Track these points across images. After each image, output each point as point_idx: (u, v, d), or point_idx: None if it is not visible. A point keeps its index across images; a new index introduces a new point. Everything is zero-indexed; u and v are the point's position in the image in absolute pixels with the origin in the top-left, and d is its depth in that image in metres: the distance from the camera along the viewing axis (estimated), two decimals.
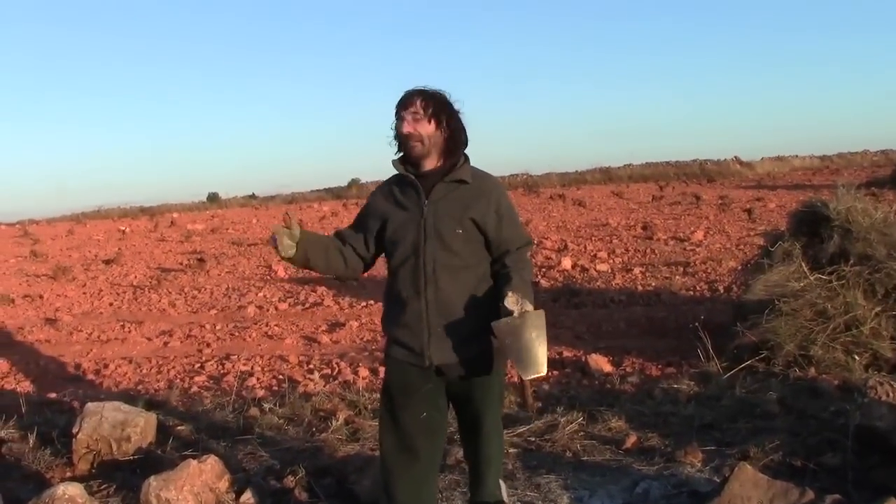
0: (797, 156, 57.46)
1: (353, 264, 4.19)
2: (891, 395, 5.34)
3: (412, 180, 3.99)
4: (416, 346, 3.94)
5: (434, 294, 3.90)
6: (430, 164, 4.02)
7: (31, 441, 6.53)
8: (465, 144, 4.08)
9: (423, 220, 3.92)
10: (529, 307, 3.77)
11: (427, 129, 3.95)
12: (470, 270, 4.00)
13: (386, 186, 4.15)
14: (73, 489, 4.76)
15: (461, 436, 4.39)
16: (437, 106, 3.97)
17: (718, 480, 4.81)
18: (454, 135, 4.03)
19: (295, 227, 3.93)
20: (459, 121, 4.06)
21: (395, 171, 4.10)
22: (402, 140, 3.98)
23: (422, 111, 3.95)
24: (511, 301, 3.75)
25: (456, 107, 4.07)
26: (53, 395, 9.07)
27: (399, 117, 3.99)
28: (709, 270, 14.45)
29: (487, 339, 4.00)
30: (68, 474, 6.00)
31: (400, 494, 4.01)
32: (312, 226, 32.86)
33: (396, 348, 4.04)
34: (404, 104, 3.98)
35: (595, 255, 17.31)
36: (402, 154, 4.06)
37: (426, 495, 4.11)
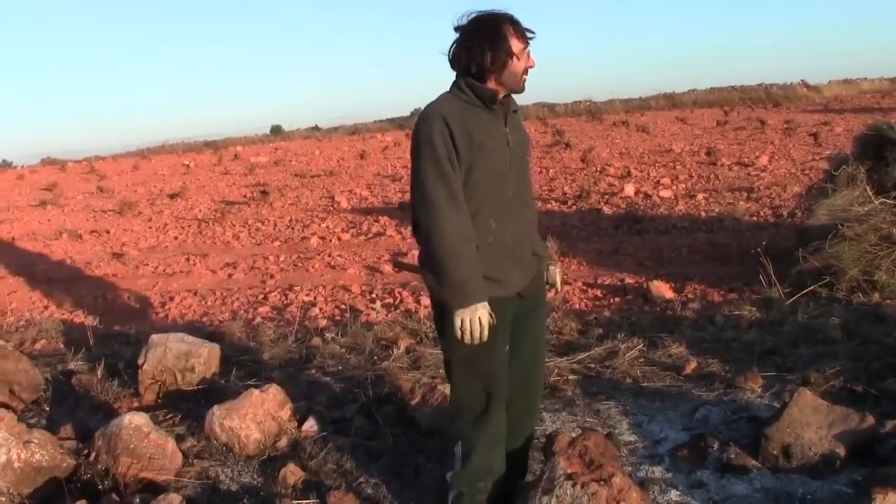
0: (866, 78, 56.04)
1: None
2: None
3: (497, 109, 3.71)
4: (504, 276, 3.77)
5: (515, 223, 3.81)
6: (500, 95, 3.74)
7: (100, 373, 6.64)
8: None
9: (510, 151, 3.76)
10: None
11: None
12: (524, 194, 3.95)
13: (458, 111, 3.65)
14: (139, 419, 4.83)
15: (512, 361, 3.99)
16: None
17: (778, 406, 4.79)
18: None
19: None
20: None
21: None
22: (524, 73, 3.69)
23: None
24: (559, 279, 4.32)
25: None
26: (120, 328, 9.22)
27: (526, 46, 3.67)
28: (773, 196, 14.28)
29: (536, 257, 4.09)
30: (135, 404, 6.10)
31: (487, 443, 3.88)
32: (375, 156, 32.91)
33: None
34: (525, 36, 3.67)
35: (658, 182, 17.15)
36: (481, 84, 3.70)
37: (503, 435, 4.01)
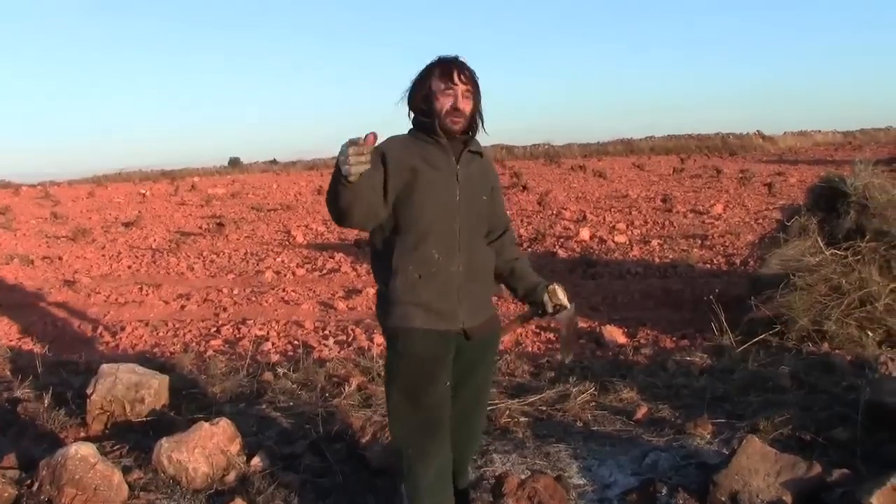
0: (820, 131, 57.19)
1: (375, 215, 3.65)
2: None
3: (444, 143, 3.78)
4: (448, 309, 3.79)
5: (466, 257, 3.82)
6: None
7: (47, 401, 6.57)
8: (482, 122, 3.94)
9: (458, 185, 3.80)
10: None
11: (470, 108, 3.79)
12: (483, 236, 4.04)
13: (401, 142, 3.82)
14: (86, 449, 4.78)
15: (453, 404, 3.98)
16: (477, 84, 3.83)
17: (727, 453, 4.82)
18: (479, 115, 3.90)
19: (368, 153, 3.23)
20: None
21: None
22: (448, 112, 3.73)
23: (471, 88, 3.78)
24: (563, 295, 4.17)
25: None
26: (69, 356, 9.13)
27: (449, 87, 3.74)
28: (727, 244, 14.44)
29: (493, 305, 4.14)
30: (82, 434, 6.04)
31: (430, 480, 3.83)
32: None
33: (422, 314, 3.75)
34: (459, 75, 3.75)
35: (613, 227, 17.28)
36: (421, 120, 3.84)
37: (450, 472, 3.98)
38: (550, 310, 4.17)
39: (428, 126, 3.78)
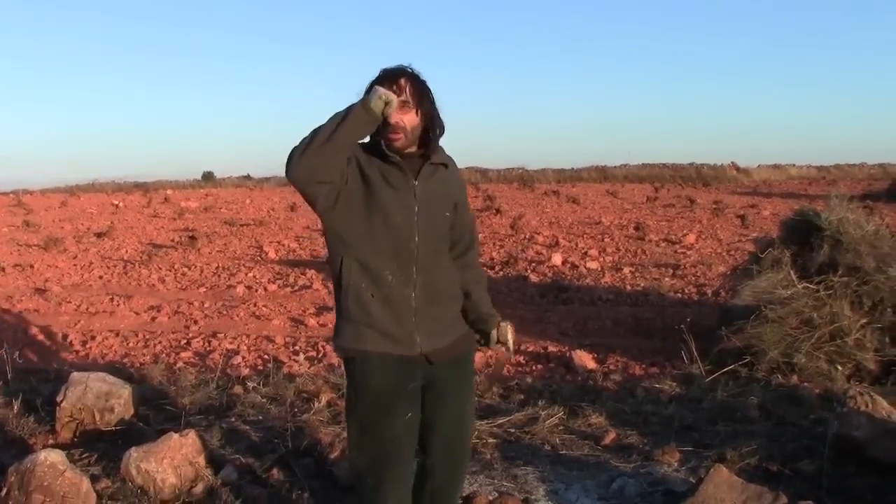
0: (794, 164, 57.65)
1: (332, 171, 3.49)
2: (869, 405, 5.38)
3: (398, 161, 3.60)
4: (403, 332, 3.60)
5: (424, 279, 3.65)
6: (408, 149, 3.64)
7: (16, 408, 6.55)
8: (442, 133, 3.75)
9: (416, 203, 3.62)
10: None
11: (413, 120, 3.58)
12: (446, 254, 3.87)
13: (364, 151, 3.65)
14: (55, 456, 4.76)
15: (432, 435, 3.87)
16: (423, 93, 3.64)
17: (694, 481, 4.85)
18: (434, 124, 3.69)
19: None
20: (437, 109, 3.72)
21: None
22: (383, 127, 3.54)
23: (411, 99, 3.57)
24: (511, 336, 4.02)
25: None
26: (39, 364, 9.09)
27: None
28: (698, 274, 14.51)
29: (463, 323, 3.97)
30: (51, 441, 6.02)
31: None
32: (306, 209, 32.79)
33: (375, 337, 3.59)
34: (392, 86, 3.52)
35: (586, 253, 17.36)
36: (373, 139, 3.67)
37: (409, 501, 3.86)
38: (493, 344, 4.03)
39: (377, 146, 3.62)
